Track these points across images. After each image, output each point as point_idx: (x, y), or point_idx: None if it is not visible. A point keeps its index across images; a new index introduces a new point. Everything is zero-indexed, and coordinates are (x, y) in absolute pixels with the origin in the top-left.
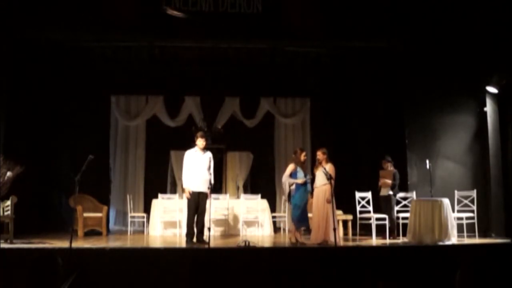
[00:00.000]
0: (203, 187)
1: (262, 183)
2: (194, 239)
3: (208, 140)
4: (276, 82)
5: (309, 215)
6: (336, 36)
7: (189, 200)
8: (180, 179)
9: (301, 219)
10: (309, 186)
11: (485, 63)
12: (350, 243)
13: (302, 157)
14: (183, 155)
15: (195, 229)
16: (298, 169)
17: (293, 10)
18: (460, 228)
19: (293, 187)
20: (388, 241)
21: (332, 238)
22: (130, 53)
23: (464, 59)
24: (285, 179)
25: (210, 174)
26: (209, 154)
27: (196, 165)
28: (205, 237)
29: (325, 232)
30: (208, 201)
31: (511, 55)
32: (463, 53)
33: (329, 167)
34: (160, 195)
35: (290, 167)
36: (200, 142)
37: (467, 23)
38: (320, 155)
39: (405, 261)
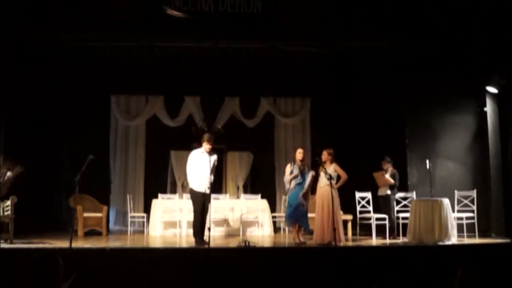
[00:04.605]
0: (208, 188)
1: (262, 183)
2: (205, 238)
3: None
4: (276, 82)
5: (312, 215)
6: (336, 36)
7: (194, 201)
8: (180, 179)
9: (291, 217)
10: (305, 185)
11: (485, 63)
12: (350, 243)
13: (297, 154)
14: (183, 155)
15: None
16: (294, 167)
17: (293, 10)
18: (460, 228)
19: (292, 185)
20: (388, 241)
21: (337, 238)
22: (130, 53)
23: (464, 59)
24: (285, 178)
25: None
26: (215, 156)
27: (201, 167)
28: (205, 237)
29: (331, 233)
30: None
31: (511, 55)
32: (463, 53)
33: (333, 167)
34: (160, 195)
35: (288, 166)
36: (206, 146)
37: (467, 23)
38: (325, 155)
39: (405, 261)
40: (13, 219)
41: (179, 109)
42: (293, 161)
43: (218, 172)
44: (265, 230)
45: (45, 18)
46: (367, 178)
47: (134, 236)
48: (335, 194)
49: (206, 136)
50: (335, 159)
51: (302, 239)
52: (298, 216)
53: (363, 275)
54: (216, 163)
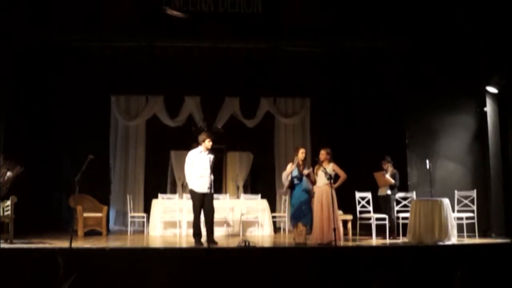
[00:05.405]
0: (208, 188)
1: (262, 183)
2: (203, 240)
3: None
4: (276, 82)
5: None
6: (336, 36)
7: (194, 202)
8: (180, 179)
9: (294, 217)
10: (306, 184)
11: (485, 63)
12: (350, 243)
13: (300, 154)
14: (183, 155)
15: (202, 230)
16: (295, 168)
17: (293, 10)
18: (460, 228)
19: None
20: (388, 241)
21: (337, 238)
22: (130, 53)
23: (464, 59)
24: (284, 173)
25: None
26: (212, 155)
27: (201, 166)
28: (204, 237)
29: (330, 233)
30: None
31: (511, 55)
32: (463, 53)
33: (331, 166)
34: (160, 195)
35: (289, 166)
36: (209, 143)
37: (467, 23)
38: (323, 154)
39: (405, 261)
40: (13, 219)
41: (179, 109)
42: (295, 160)
43: (218, 172)
44: (265, 230)
45: (45, 18)
46: (367, 178)
47: (134, 236)
48: (334, 193)
49: (207, 133)
50: (335, 158)
51: (302, 239)
52: (300, 215)
53: (363, 275)
54: (213, 161)
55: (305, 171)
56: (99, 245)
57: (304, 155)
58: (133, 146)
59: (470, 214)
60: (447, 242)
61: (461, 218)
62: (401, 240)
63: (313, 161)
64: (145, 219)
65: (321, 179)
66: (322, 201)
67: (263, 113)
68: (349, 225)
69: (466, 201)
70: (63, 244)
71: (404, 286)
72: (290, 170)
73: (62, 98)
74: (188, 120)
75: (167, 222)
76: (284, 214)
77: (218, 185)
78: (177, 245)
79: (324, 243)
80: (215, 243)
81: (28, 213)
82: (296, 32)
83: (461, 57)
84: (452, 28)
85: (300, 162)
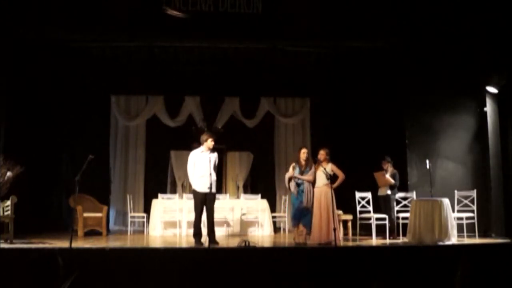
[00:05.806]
0: (208, 188)
1: (262, 183)
2: (203, 239)
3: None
4: (276, 82)
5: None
6: (336, 36)
7: (195, 201)
8: (180, 179)
9: (295, 217)
10: (302, 186)
11: (485, 63)
12: (350, 243)
13: (301, 154)
14: (183, 155)
15: (202, 230)
16: (297, 169)
17: (293, 10)
18: (460, 228)
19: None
20: (388, 241)
21: (337, 238)
22: (130, 53)
23: (464, 59)
24: (286, 178)
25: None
26: (215, 154)
27: (202, 166)
28: (204, 237)
29: (329, 233)
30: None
31: (511, 55)
32: (462, 53)
33: (330, 167)
34: (160, 195)
35: (291, 168)
36: (211, 143)
37: (467, 23)
38: (323, 154)
39: (405, 261)
40: (13, 219)
41: (179, 109)
42: (297, 161)
43: (218, 172)
44: (265, 230)
45: (45, 18)
46: (367, 178)
47: (134, 236)
48: (333, 194)
49: (209, 133)
50: (335, 158)
51: (302, 239)
52: (300, 216)
53: (363, 275)
54: (217, 161)
55: (306, 177)
56: (99, 245)
57: (305, 155)
58: (133, 146)
59: (470, 214)
60: (447, 242)
61: (461, 218)
62: (401, 240)
63: (313, 161)
64: (145, 219)
65: (321, 179)
66: (321, 201)
67: (263, 113)
68: (349, 225)
69: (466, 201)
70: (63, 244)
71: (404, 286)
72: (292, 172)
73: (62, 98)
74: (188, 120)
75: (167, 222)
76: (284, 214)
77: (218, 185)
78: (177, 245)
79: (323, 243)
80: (217, 243)
81: (28, 213)
82: (296, 32)
83: (461, 57)
84: (452, 28)
85: (302, 163)
